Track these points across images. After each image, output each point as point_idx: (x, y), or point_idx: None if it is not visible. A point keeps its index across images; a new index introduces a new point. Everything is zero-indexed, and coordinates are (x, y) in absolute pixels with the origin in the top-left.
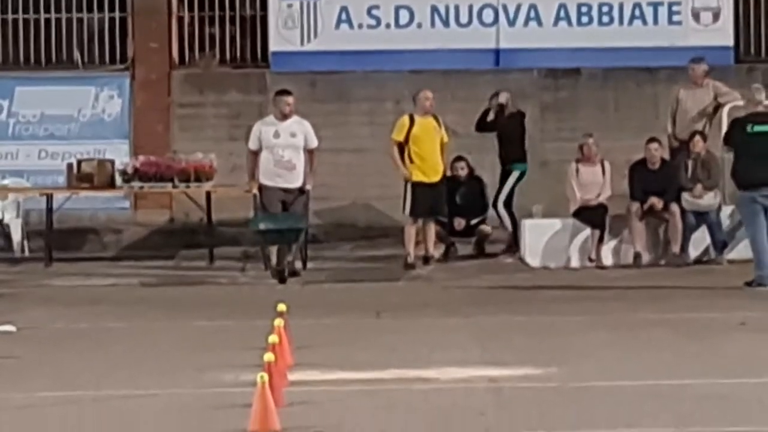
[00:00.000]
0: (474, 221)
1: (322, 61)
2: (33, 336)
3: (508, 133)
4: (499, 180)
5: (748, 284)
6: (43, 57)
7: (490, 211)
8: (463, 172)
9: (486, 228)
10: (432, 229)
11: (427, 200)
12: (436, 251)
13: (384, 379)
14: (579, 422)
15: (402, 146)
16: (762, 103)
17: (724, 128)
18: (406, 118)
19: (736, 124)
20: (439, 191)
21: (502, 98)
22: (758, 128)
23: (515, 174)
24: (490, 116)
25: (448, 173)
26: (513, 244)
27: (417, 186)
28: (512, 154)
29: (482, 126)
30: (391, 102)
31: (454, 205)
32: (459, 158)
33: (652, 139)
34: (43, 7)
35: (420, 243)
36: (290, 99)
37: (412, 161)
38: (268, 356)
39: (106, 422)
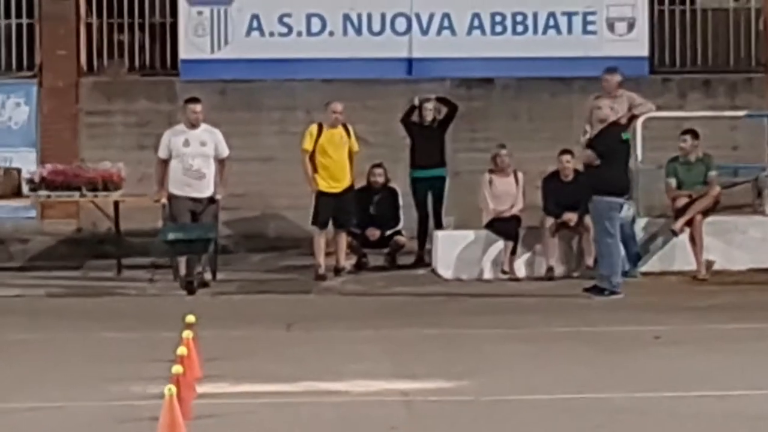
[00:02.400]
0: (389, 232)
1: (233, 69)
2: None
3: (436, 135)
4: (418, 188)
5: (593, 291)
6: None
7: (408, 222)
8: (380, 179)
9: (401, 239)
10: (343, 239)
11: (331, 210)
12: (348, 262)
13: (294, 392)
14: None
15: (312, 156)
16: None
17: (639, 139)
18: (314, 128)
19: (608, 131)
20: (345, 201)
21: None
22: (625, 136)
23: (447, 179)
24: (419, 116)
25: (365, 181)
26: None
27: (321, 195)
28: (441, 156)
29: (408, 122)
30: (302, 111)
31: (367, 215)
32: (377, 165)
33: (564, 151)
34: None
35: (331, 254)
36: (198, 107)
37: (317, 171)
38: (176, 368)
39: None
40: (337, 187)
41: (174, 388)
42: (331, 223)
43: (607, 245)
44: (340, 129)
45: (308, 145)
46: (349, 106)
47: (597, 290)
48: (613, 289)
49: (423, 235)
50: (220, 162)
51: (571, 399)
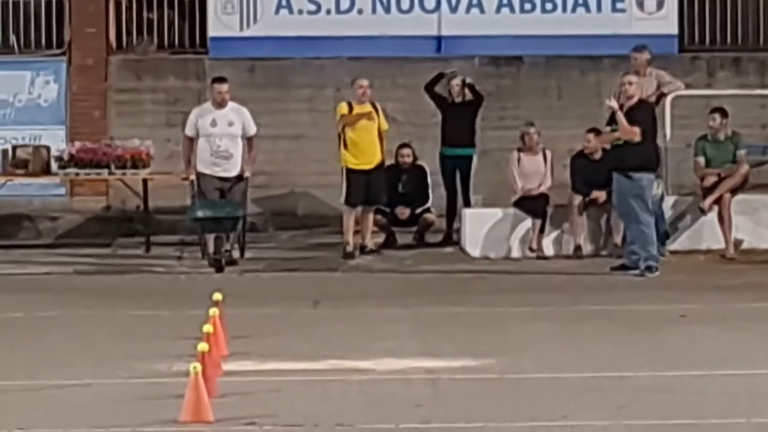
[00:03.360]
0: (418, 210)
1: (262, 47)
2: None
3: (467, 113)
4: (446, 166)
5: (620, 269)
6: None
7: (437, 200)
8: (408, 160)
9: (430, 217)
10: (370, 218)
11: (362, 188)
12: (373, 240)
13: (320, 370)
14: (516, 414)
15: (343, 132)
16: None
17: (668, 118)
18: (344, 105)
19: (639, 108)
20: (376, 179)
21: (469, 79)
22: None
23: (475, 159)
24: (447, 91)
25: (392, 161)
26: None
27: (351, 173)
28: (471, 136)
29: (434, 93)
30: (331, 89)
31: (396, 193)
32: (404, 145)
33: (590, 130)
34: None
35: (359, 232)
36: (224, 87)
37: (347, 148)
38: (202, 346)
39: (37, 412)
40: (367, 164)
41: (199, 366)
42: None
43: (648, 222)
44: (369, 107)
45: (343, 109)
46: (377, 84)
47: (625, 268)
48: (651, 265)
49: (451, 213)
50: (248, 140)
51: (597, 378)
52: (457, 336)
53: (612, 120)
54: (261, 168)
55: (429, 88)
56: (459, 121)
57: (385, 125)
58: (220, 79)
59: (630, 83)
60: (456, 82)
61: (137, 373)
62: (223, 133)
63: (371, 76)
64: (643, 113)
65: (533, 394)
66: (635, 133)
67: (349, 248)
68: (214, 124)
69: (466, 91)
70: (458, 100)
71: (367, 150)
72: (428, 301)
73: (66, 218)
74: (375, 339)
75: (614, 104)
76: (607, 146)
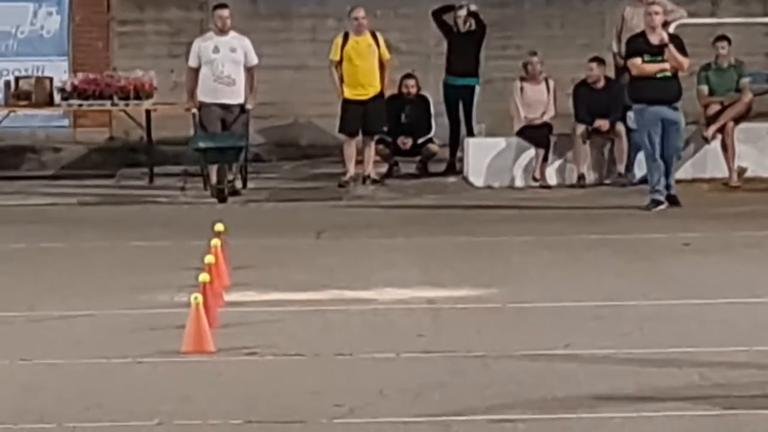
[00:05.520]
0: (421, 140)
1: None
2: None
3: (472, 43)
4: (450, 95)
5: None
6: None
7: (440, 130)
8: (412, 90)
9: (433, 147)
10: (371, 148)
11: (358, 117)
12: (376, 170)
13: (321, 300)
14: (517, 343)
15: (340, 65)
16: None
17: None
18: (339, 37)
19: (674, 36)
20: (372, 108)
21: (474, 6)
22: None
23: (478, 89)
24: (453, 21)
25: (396, 90)
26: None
27: (346, 103)
28: (475, 66)
29: (441, 21)
30: (334, 19)
31: (399, 124)
32: (408, 75)
33: (592, 59)
34: None
35: (361, 162)
36: (225, 12)
37: (342, 80)
38: (203, 277)
39: (39, 343)
40: (363, 95)
41: (200, 297)
42: (361, 131)
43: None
44: (368, 37)
45: (334, 55)
46: (380, 15)
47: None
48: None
49: (454, 143)
50: (249, 71)
51: (599, 306)
52: (459, 266)
53: (637, 52)
54: (263, 98)
55: (437, 15)
56: (463, 51)
57: (386, 55)
58: (222, 5)
59: (656, 13)
60: (461, 13)
61: (139, 304)
62: (225, 59)
63: (374, 6)
64: (682, 45)
65: (535, 324)
66: (687, 65)
67: (345, 178)
68: (216, 50)
69: (471, 20)
70: (464, 30)
71: (362, 80)
72: (431, 231)
73: (69, 149)
74: (377, 269)
75: (665, 37)
76: (612, 76)
